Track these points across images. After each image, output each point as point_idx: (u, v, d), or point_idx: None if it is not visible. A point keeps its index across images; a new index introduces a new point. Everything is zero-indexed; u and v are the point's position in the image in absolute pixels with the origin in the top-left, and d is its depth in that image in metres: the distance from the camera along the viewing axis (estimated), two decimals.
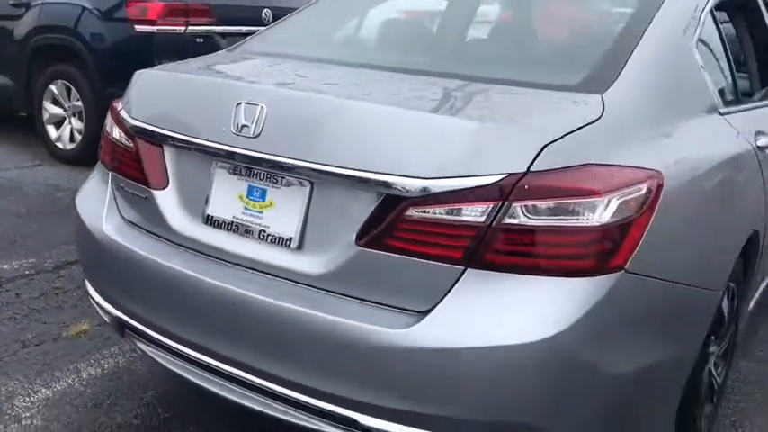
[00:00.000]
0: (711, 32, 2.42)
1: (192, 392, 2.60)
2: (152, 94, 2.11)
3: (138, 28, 5.19)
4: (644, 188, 1.64)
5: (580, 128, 1.67)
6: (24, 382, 2.61)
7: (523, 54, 2.33)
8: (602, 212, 1.57)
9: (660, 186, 1.68)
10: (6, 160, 5.66)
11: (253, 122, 1.77)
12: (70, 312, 3.16)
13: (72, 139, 5.65)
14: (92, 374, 2.69)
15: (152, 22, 5.17)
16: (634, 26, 2.12)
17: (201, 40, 5.28)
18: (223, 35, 5.30)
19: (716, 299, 1.98)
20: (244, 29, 5.16)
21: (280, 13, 4.42)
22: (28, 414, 2.43)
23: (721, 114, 2.24)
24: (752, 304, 2.80)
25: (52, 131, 5.77)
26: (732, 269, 2.09)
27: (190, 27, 5.22)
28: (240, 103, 1.80)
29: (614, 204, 1.58)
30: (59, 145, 5.69)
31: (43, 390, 2.57)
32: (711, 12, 2.42)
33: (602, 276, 1.57)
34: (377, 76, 2.04)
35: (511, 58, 2.25)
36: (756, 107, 2.56)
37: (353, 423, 1.66)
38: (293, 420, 1.77)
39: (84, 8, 5.39)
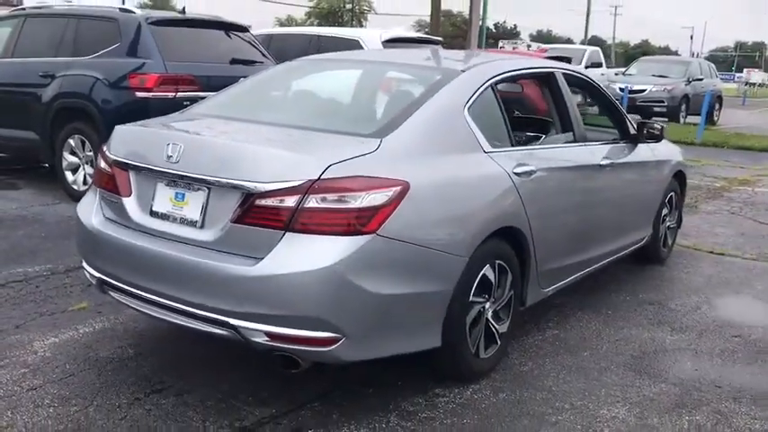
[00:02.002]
0: (490, 101, 3.73)
1: (152, 340, 3.87)
2: (123, 140, 3.44)
3: (138, 94, 6.61)
4: (392, 191, 2.92)
5: (358, 156, 2.96)
6: (40, 334, 3.88)
7: (343, 114, 3.69)
8: (360, 202, 2.84)
9: (405, 190, 2.96)
10: (32, 200, 7.04)
11: (175, 154, 3.08)
12: (75, 297, 4.44)
13: (85, 182, 7.01)
14: (86, 331, 3.95)
15: (149, 90, 6.58)
16: (423, 96, 3.45)
17: (188, 102, 6.64)
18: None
19: (461, 262, 3.21)
20: None
21: None
22: (41, 350, 3.69)
23: (485, 153, 3.52)
24: (546, 286, 4.03)
25: (69, 176, 7.15)
26: (481, 246, 3.31)
27: (179, 93, 6.60)
28: (169, 143, 3.12)
29: (368, 198, 2.86)
30: (75, 186, 7.06)
31: (52, 338, 3.84)
32: (492, 87, 3.74)
33: (360, 236, 2.83)
34: (253, 126, 3.37)
35: (335, 117, 3.61)
36: (520, 150, 3.83)
37: (226, 323, 2.91)
38: (194, 326, 3.02)
39: (96, 79, 6.83)
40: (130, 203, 3.32)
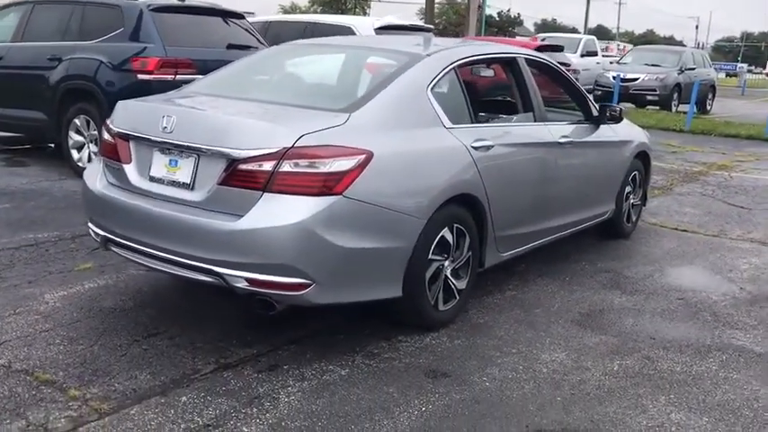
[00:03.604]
0: (452, 82, 4.17)
1: (149, 294, 4.34)
2: (124, 113, 3.90)
3: (140, 76, 7.05)
4: (357, 158, 3.37)
5: (327, 128, 3.42)
6: (50, 288, 4.35)
7: (319, 92, 4.14)
8: (328, 167, 3.30)
9: (369, 158, 3.41)
10: (40, 176, 7.51)
11: (170, 125, 3.54)
12: (80, 259, 4.91)
13: (89, 159, 7.46)
14: (91, 286, 4.43)
15: (150, 72, 7.03)
16: (389, 77, 3.89)
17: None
18: None
19: (419, 223, 3.65)
20: None
21: None
22: (52, 301, 4.16)
23: (446, 128, 3.97)
24: (504, 250, 4.48)
25: (75, 154, 7.61)
26: (439, 210, 3.76)
27: (178, 76, 7.03)
28: (164, 116, 3.58)
29: (336, 164, 3.31)
30: (80, 164, 7.51)
31: (61, 292, 4.31)
32: (455, 70, 4.18)
33: (328, 197, 3.28)
34: (239, 102, 3.83)
35: (312, 95, 4.06)
36: (479, 126, 4.28)
37: (212, 271, 3.37)
38: (185, 275, 3.48)
39: (101, 62, 7.28)
40: (130, 169, 3.77)
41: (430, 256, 3.82)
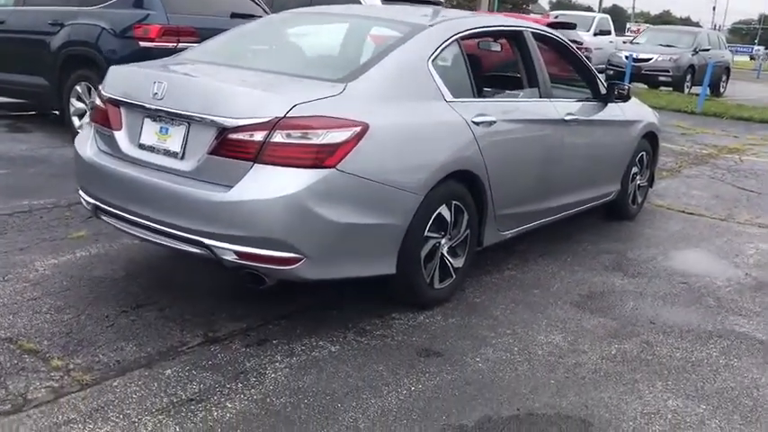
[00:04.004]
0: (455, 54, 4.05)
1: (142, 264, 4.26)
2: (116, 79, 3.80)
3: (142, 44, 6.94)
4: (351, 130, 3.26)
5: (322, 98, 3.31)
6: (41, 255, 4.28)
7: (317, 61, 4.02)
8: (321, 139, 3.19)
9: (364, 131, 3.30)
10: (41, 143, 7.42)
11: (160, 91, 3.43)
12: (74, 227, 4.83)
13: None
14: (83, 255, 4.36)
15: (152, 40, 6.91)
16: (390, 47, 3.77)
17: None
18: None
19: (416, 199, 3.55)
20: None
21: None
22: (42, 269, 4.09)
23: (447, 102, 3.85)
24: (504, 229, 4.38)
25: (76, 121, 7.52)
26: (437, 187, 3.65)
27: (180, 44, 6.91)
28: (155, 81, 3.47)
29: (329, 135, 3.21)
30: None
31: (52, 260, 4.24)
32: (458, 42, 4.05)
33: (320, 170, 3.18)
34: (233, 70, 3.71)
35: (310, 64, 3.94)
36: (481, 101, 4.16)
37: (201, 243, 3.29)
38: (174, 246, 3.40)
39: (103, 28, 7.17)
40: (121, 136, 3.68)
41: (426, 234, 3.72)
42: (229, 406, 2.86)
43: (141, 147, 3.59)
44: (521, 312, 3.99)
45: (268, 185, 3.16)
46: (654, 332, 3.87)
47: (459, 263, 4.03)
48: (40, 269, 4.08)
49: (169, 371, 3.10)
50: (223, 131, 3.25)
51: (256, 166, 3.19)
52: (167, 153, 3.47)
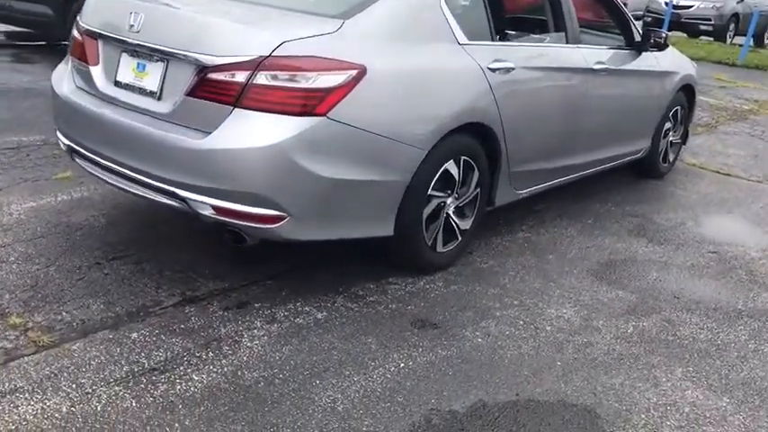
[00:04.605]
0: None
1: (126, 211, 3.97)
2: (95, 9, 3.43)
3: None
4: (346, 74, 2.88)
5: (315, 35, 2.92)
6: (20, 198, 4.00)
7: None
8: (310, 82, 2.82)
9: (361, 74, 2.92)
10: (43, 74, 7.08)
11: (137, 23, 3.07)
12: (61, 167, 4.54)
13: None
14: (64, 198, 4.07)
15: None
16: None
17: None
18: None
19: (418, 154, 3.18)
20: None
21: None
22: (17, 213, 3.81)
23: (460, 44, 3.44)
24: (520, 188, 4.00)
25: None
26: (444, 140, 3.27)
27: None
28: (132, 12, 3.10)
29: (320, 79, 2.83)
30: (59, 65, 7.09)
31: (31, 203, 3.95)
32: None
33: (308, 118, 2.82)
34: (219, 2, 3.30)
35: None
36: (499, 45, 3.73)
37: (176, 195, 2.97)
38: (148, 196, 3.08)
39: None
40: (97, 72, 3.33)
41: (429, 192, 3.37)
42: (195, 378, 2.58)
43: (117, 84, 3.25)
44: (531, 281, 3.64)
45: (248, 133, 2.81)
46: (677, 309, 3.51)
47: (466, 224, 3.68)
48: (15, 213, 3.81)
49: (136, 334, 2.83)
50: (203, 70, 2.89)
51: (237, 110, 2.84)
52: (143, 92, 3.13)
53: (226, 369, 2.65)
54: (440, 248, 3.56)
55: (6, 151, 4.72)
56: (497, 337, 3.07)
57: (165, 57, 3.03)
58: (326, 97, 2.85)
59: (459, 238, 3.66)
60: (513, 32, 4.24)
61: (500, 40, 3.80)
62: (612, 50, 4.71)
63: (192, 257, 3.50)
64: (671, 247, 4.30)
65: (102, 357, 2.66)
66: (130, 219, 3.92)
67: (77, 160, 3.46)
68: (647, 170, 5.60)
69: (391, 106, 3.08)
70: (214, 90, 2.87)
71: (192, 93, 2.92)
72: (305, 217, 2.95)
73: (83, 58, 3.41)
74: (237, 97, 2.83)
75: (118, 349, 2.71)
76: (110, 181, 3.27)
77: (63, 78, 3.55)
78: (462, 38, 3.45)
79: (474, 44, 3.51)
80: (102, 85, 3.30)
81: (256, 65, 2.80)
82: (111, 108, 3.22)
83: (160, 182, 3.01)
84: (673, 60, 5.37)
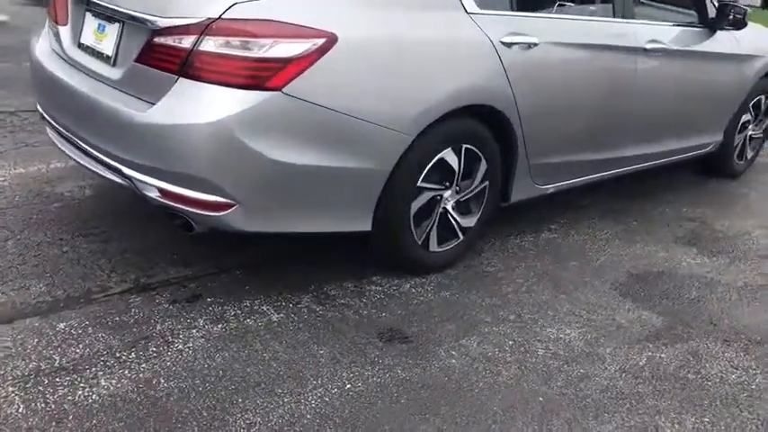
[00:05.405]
0: None
1: (110, 183, 3.71)
2: None
3: None
4: (310, 42, 2.47)
5: None
6: (11, 163, 3.84)
7: None
8: (264, 51, 2.42)
9: (329, 44, 2.50)
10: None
11: None
12: (38, 137, 4.34)
13: None
14: (56, 166, 3.87)
15: None
16: None
17: None
18: None
19: (401, 140, 2.73)
20: None
21: None
22: (2, 179, 3.64)
23: (468, 13, 2.95)
24: (544, 182, 3.49)
25: None
26: (437, 125, 2.81)
27: None
28: None
29: (276, 47, 2.43)
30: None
31: (20, 169, 3.79)
32: None
33: (260, 92, 2.43)
34: None
35: None
36: (519, 15, 3.19)
37: (121, 173, 2.66)
38: (100, 173, 2.78)
39: None
40: (65, 33, 3.07)
41: (420, 184, 2.93)
42: (103, 384, 2.28)
43: (80, 47, 2.97)
44: (540, 291, 3.15)
45: (191, 107, 2.46)
46: (710, 339, 2.94)
47: (469, 221, 3.22)
48: (0, 179, 3.62)
49: (63, 324, 2.55)
50: (153, 34, 2.55)
51: (181, 80, 2.48)
52: (101, 57, 2.83)
53: (141, 375, 2.33)
54: (434, 247, 3.12)
55: (21, 113, 4.58)
56: (475, 359, 2.61)
57: (120, 18, 2.71)
58: (283, 69, 2.45)
59: (461, 237, 3.21)
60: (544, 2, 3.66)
61: (522, 9, 3.26)
62: (677, 28, 4.07)
63: (166, 238, 3.21)
64: (723, 261, 3.68)
65: (15, 349, 2.39)
66: (117, 193, 3.65)
67: (48, 129, 3.21)
68: (717, 168, 4.92)
69: (366, 83, 2.65)
70: (160, 56, 2.53)
71: (139, 58, 2.60)
72: (257, 206, 2.58)
73: (54, 18, 3.15)
74: (182, 65, 2.47)
75: (35, 340, 2.45)
76: (68, 153, 2.99)
77: (37, 40, 3.30)
78: (471, 5, 2.97)
79: (486, 13, 3.01)
80: (68, 47, 3.04)
81: (203, 28, 2.43)
82: (71, 72, 2.94)
83: (108, 157, 2.71)
84: (756, 41, 4.64)
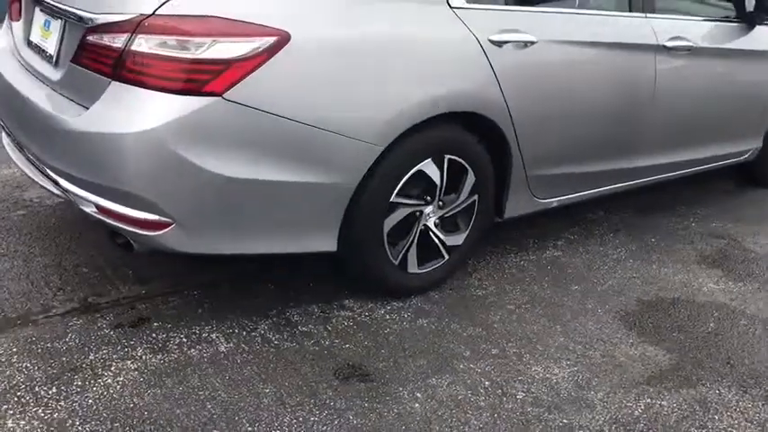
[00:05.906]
0: None
1: None
2: None
3: None
4: (257, 41, 2.18)
5: None
6: None
7: None
8: (202, 51, 2.14)
9: (280, 43, 2.21)
10: None
11: None
12: None
13: None
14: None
15: None
16: None
17: None
18: None
19: (369, 151, 2.42)
20: None
21: None
22: None
23: (450, 7, 2.62)
24: (544, 196, 3.14)
25: None
26: (412, 134, 2.49)
27: None
28: None
29: (216, 47, 2.15)
30: None
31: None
32: None
33: (197, 97, 2.15)
34: None
35: None
36: (512, 10, 2.83)
37: (57, 183, 2.42)
38: (41, 183, 2.55)
39: None
40: (17, 30, 2.87)
41: (393, 199, 2.62)
42: (9, 426, 2.03)
43: (29, 45, 2.75)
44: (532, 320, 2.80)
45: (121, 114, 2.19)
46: (724, 382, 2.55)
47: (456, 240, 2.90)
48: None
49: None
50: (86, 32, 2.30)
51: (114, 84, 2.23)
52: (45, 56, 2.60)
53: (56, 416, 2.09)
54: (413, 269, 2.80)
55: None
56: (442, 402, 2.29)
57: (61, 14, 2.47)
58: (224, 72, 2.17)
59: (446, 257, 2.89)
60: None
61: (518, 2, 2.90)
62: (707, 23, 3.65)
63: (129, 256, 2.95)
64: (751, 287, 3.26)
65: None
66: None
67: (3, 134, 2.99)
68: (756, 177, 4.47)
69: (325, 88, 2.34)
70: (94, 56, 2.28)
71: (75, 58, 2.35)
72: (198, 225, 2.31)
73: (10, 13, 2.94)
74: (114, 67, 2.21)
75: None
76: (17, 162, 2.77)
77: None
78: (457, 0, 2.63)
79: (473, 7, 2.68)
80: (19, 44, 2.83)
81: (135, 26, 2.16)
82: (18, 72, 2.72)
83: (47, 167, 2.47)
84: None
